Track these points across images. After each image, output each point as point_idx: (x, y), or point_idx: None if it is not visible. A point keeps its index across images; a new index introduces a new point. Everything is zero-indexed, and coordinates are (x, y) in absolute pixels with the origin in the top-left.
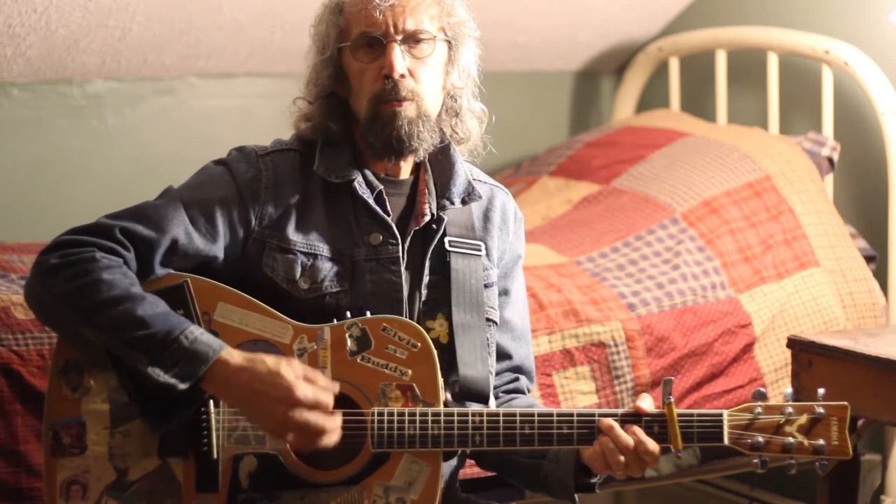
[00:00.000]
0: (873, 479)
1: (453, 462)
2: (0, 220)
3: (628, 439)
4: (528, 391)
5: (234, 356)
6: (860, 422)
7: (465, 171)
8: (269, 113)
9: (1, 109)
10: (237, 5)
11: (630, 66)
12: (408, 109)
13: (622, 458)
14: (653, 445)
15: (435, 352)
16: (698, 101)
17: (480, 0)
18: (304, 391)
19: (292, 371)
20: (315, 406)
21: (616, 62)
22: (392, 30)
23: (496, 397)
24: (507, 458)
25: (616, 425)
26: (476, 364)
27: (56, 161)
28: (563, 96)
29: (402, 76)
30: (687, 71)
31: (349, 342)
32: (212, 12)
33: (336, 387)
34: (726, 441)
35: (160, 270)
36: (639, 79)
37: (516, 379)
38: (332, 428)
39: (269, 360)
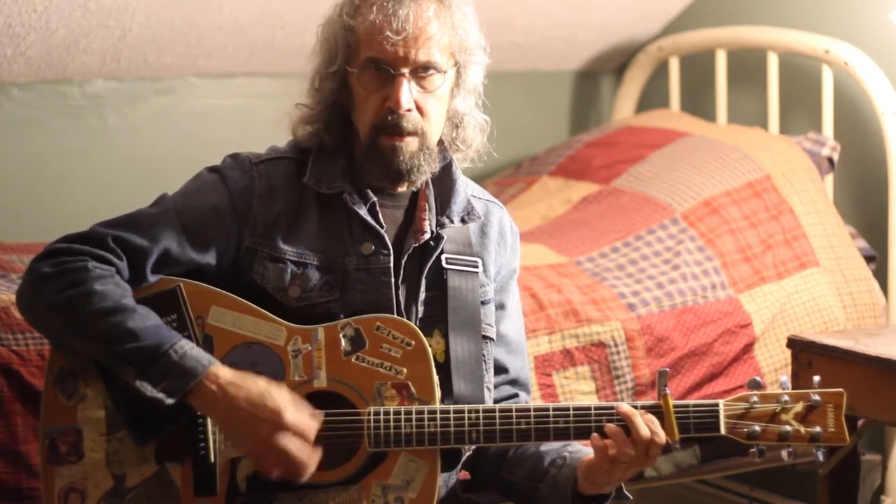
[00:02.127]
0: (873, 479)
1: (457, 467)
2: (0, 220)
3: (646, 430)
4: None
5: (224, 372)
6: (860, 422)
7: (465, 189)
8: (270, 113)
9: (1, 109)
10: (237, 5)
11: (630, 66)
12: (410, 144)
13: (632, 450)
14: (662, 438)
15: (430, 350)
16: (698, 101)
17: (480, 0)
18: (292, 416)
19: (283, 395)
20: (301, 435)
21: (616, 62)
22: (402, 61)
23: None
24: (504, 477)
25: (636, 414)
26: (471, 384)
27: (56, 161)
28: (563, 96)
29: (409, 110)
30: (687, 71)
31: (343, 342)
32: (212, 12)
33: (321, 416)
34: (723, 430)
35: (152, 278)
36: (639, 79)
37: (515, 395)
38: (311, 464)
39: (261, 381)
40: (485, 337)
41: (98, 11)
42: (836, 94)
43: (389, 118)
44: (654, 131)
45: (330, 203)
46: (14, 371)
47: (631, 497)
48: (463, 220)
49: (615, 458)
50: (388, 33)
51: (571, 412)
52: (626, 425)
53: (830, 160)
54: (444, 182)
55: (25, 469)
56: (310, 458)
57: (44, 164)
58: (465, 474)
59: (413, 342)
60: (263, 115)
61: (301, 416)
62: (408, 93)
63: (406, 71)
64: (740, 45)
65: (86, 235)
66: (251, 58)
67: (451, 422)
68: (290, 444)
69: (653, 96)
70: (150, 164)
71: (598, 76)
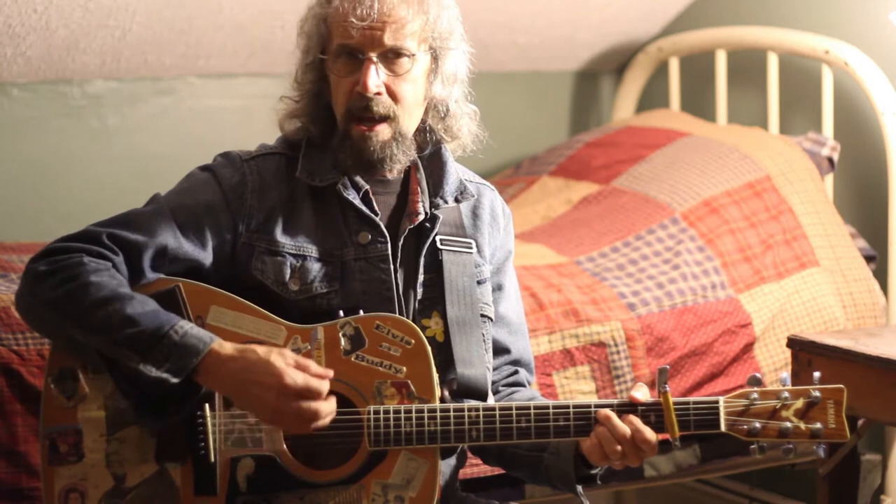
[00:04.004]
0: (873, 479)
1: (452, 461)
2: (0, 220)
3: (625, 429)
4: (529, 383)
5: (226, 347)
6: (860, 422)
7: (456, 170)
8: (269, 113)
9: (1, 109)
10: (237, 5)
11: (630, 66)
12: (382, 133)
13: (619, 447)
14: (650, 434)
15: (429, 348)
16: (698, 101)
17: (481, 0)
18: (293, 377)
19: (283, 359)
20: (305, 392)
21: (616, 62)
22: (369, 45)
23: (497, 391)
24: (509, 451)
25: (613, 415)
26: (473, 361)
27: (56, 161)
28: (563, 96)
29: (378, 94)
30: (687, 71)
31: (343, 341)
32: (212, 12)
33: (330, 373)
34: (723, 428)
35: (151, 275)
36: (639, 79)
37: (516, 372)
38: (326, 412)
39: (261, 350)
40: (483, 316)
41: (98, 11)
42: (836, 94)
43: (360, 102)
44: (654, 131)
45: (323, 195)
46: (14, 371)
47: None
48: (457, 200)
49: (608, 457)
50: (353, 19)
51: (572, 410)
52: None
53: (830, 160)
54: (434, 165)
55: (25, 469)
56: (324, 407)
57: (44, 164)
58: (465, 473)
59: (413, 340)
60: (263, 115)
61: (303, 376)
62: (375, 76)
63: (373, 55)
64: (740, 45)
65: (81, 234)
66: (251, 58)
67: (451, 420)
68: (300, 402)
69: (653, 96)
70: (149, 164)
71: (598, 76)
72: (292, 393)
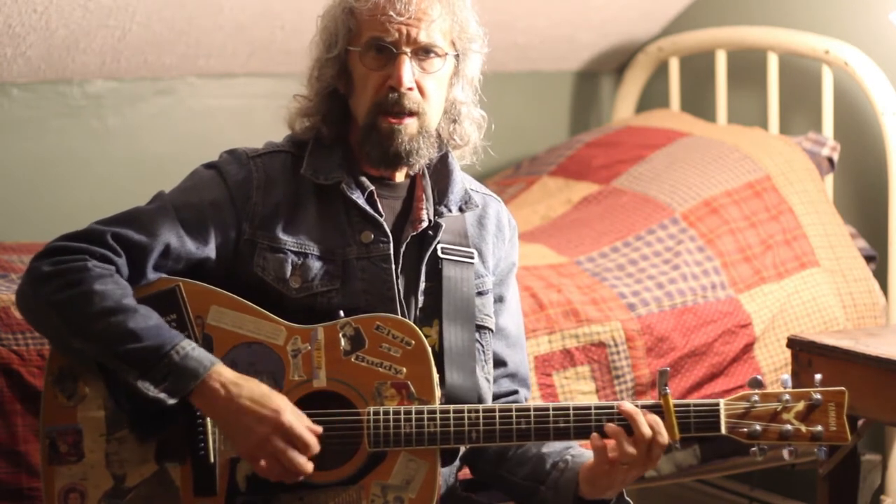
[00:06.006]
0: (873, 479)
1: (455, 461)
2: (0, 220)
3: (648, 430)
4: (526, 401)
5: (227, 372)
6: (860, 422)
7: (462, 179)
8: (269, 113)
9: (1, 109)
10: (237, 5)
11: (630, 66)
12: (410, 126)
13: (633, 450)
14: (665, 438)
15: (429, 349)
16: (698, 101)
17: (480, 0)
18: (291, 419)
19: (283, 400)
20: (297, 439)
21: (616, 62)
22: (404, 41)
23: None
24: (504, 477)
25: (640, 413)
26: (463, 374)
27: (56, 161)
28: (563, 96)
29: (410, 89)
30: (687, 71)
31: (343, 341)
32: (212, 12)
33: (319, 430)
34: (723, 430)
35: (152, 275)
36: (639, 79)
37: (515, 391)
38: (305, 470)
39: (263, 385)
40: (482, 327)
41: (98, 11)
42: (836, 94)
43: (390, 96)
44: (654, 131)
45: (328, 195)
46: (14, 371)
47: (630, 503)
48: (461, 209)
49: (616, 459)
50: (392, 13)
51: (571, 412)
52: (628, 424)
53: (830, 160)
54: (440, 172)
55: (25, 469)
56: (304, 465)
57: (44, 164)
58: (465, 473)
59: (413, 342)
60: (263, 115)
61: (300, 421)
62: (409, 71)
63: (408, 50)
64: (740, 45)
65: (84, 233)
66: (251, 58)
67: (451, 422)
68: (288, 447)
69: (653, 96)
70: (150, 164)
71: (598, 76)
72: (285, 435)
